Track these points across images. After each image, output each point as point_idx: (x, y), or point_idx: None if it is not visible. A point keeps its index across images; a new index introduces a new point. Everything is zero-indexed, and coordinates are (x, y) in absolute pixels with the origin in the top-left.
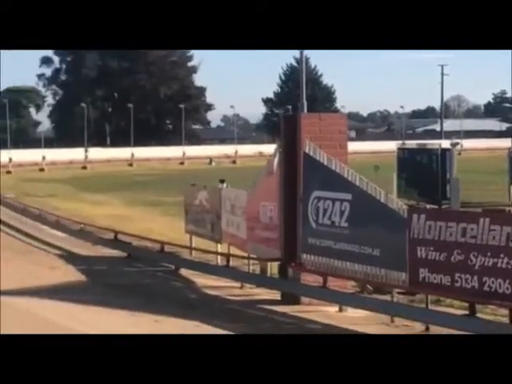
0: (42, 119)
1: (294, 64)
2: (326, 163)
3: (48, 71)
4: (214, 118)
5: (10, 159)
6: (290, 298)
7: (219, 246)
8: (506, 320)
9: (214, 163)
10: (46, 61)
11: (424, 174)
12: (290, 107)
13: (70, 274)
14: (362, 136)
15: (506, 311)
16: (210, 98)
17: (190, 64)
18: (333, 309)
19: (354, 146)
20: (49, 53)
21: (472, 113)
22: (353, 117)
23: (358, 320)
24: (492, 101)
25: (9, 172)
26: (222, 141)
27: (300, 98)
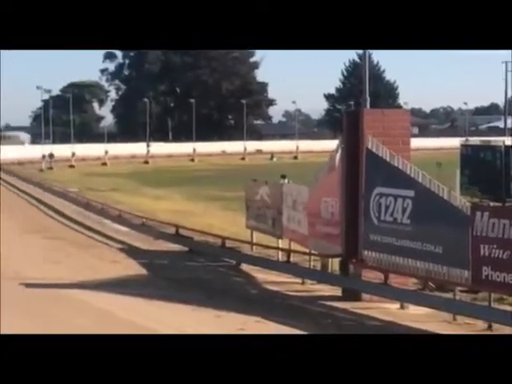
0: (105, 114)
1: (357, 60)
2: (388, 159)
3: (111, 66)
4: (276, 113)
5: (74, 154)
6: (351, 295)
7: (280, 241)
8: None
9: (275, 159)
10: (109, 56)
11: (487, 171)
12: (352, 103)
13: (132, 268)
14: (424, 132)
15: None
16: (271, 93)
17: (251, 60)
18: (394, 306)
19: (416, 143)
20: None
21: None
22: (416, 113)
23: (420, 317)
24: None
25: (72, 166)
26: (284, 136)
27: (363, 93)
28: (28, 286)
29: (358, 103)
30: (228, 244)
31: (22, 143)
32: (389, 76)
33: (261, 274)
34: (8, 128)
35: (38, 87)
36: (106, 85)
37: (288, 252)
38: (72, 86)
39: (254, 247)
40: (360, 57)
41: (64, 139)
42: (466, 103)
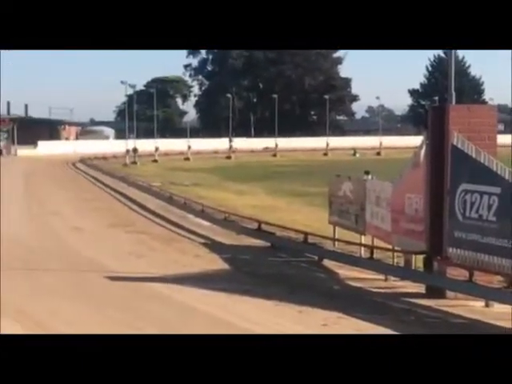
0: (188, 109)
1: (442, 55)
2: (474, 156)
3: (195, 62)
4: (359, 109)
5: (157, 148)
6: (435, 292)
7: (363, 237)
8: None
9: (358, 154)
10: (192, 51)
11: None
12: (436, 98)
13: (214, 263)
14: (510, 129)
15: None
16: (354, 88)
17: (335, 55)
18: (479, 304)
19: (502, 139)
20: None
21: None
22: (502, 109)
23: (505, 316)
24: None
25: (155, 161)
26: (367, 132)
27: (448, 89)
28: (113, 279)
29: (442, 99)
30: (310, 239)
31: (107, 138)
32: (474, 72)
33: (343, 270)
34: (93, 123)
35: (122, 82)
36: (189, 80)
37: (371, 248)
38: (156, 81)
39: (337, 243)
40: (445, 52)
41: (147, 134)
42: None
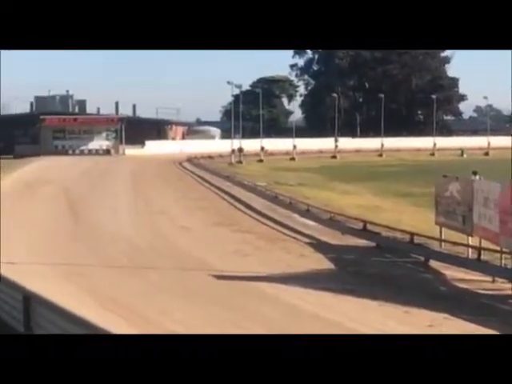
0: (294, 109)
1: None
2: None
3: (301, 61)
4: (467, 108)
5: (263, 148)
6: None
7: (470, 238)
8: None
9: (465, 155)
10: (298, 51)
11: None
12: None
13: (319, 263)
14: None
15: None
16: (462, 88)
17: (442, 54)
18: None
19: None
20: None
21: None
22: None
23: None
24: None
25: (261, 161)
26: (474, 132)
27: None
28: (219, 277)
29: None
30: (416, 240)
31: (213, 137)
32: None
33: (449, 271)
34: (199, 122)
35: (228, 82)
36: (295, 80)
37: (478, 249)
38: (262, 81)
39: (443, 244)
40: None
41: (253, 134)
42: None
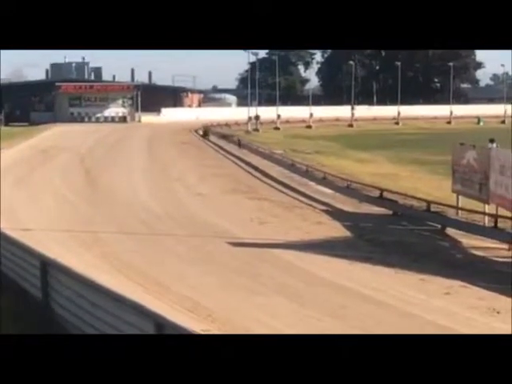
0: (310, 77)
1: None
2: None
3: None
4: (483, 76)
5: (279, 116)
6: None
7: (487, 206)
8: None
9: (482, 123)
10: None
11: None
12: None
13: (336, 230)
14: None
15: None
16: (479, 56)
17: None
18: None
19: None
20: None
21: None
22: None
23: None
24: None
25: (277, 128)
26: (491, 100)
27: None
28: (236, 244)
29: None
30: (433, 208)
31: (229, 105)
32: None
33: (466, 239)
34: (215, 90)
35: (245, 50)
36: None
37: (495, 217)
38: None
39: (460, 212)
40: None
41: (269, 101)
42: None
